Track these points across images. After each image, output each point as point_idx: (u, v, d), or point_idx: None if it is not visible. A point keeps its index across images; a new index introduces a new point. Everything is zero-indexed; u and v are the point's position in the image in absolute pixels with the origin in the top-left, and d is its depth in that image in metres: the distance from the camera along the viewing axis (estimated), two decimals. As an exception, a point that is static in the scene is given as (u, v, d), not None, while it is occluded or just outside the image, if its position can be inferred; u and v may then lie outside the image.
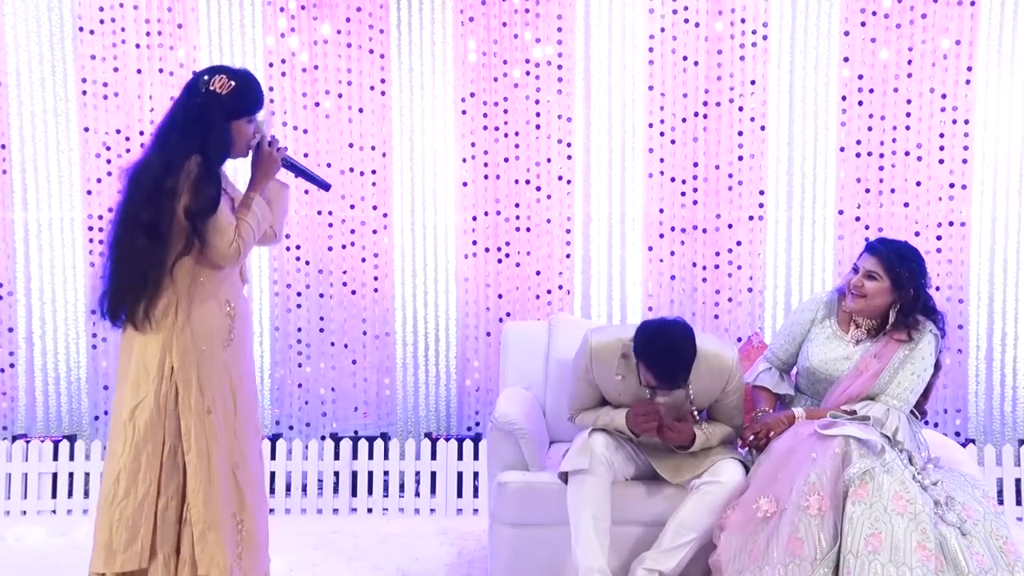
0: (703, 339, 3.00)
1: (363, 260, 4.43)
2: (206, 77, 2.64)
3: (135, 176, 2.62)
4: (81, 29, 4.31)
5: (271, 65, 4.34)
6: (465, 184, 4.40)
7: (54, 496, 4.24)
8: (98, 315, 2.67)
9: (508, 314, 4.41)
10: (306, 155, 4.37)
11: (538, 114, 4.35)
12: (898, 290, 3.03)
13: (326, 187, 2.95)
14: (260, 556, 2.76)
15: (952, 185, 4.27)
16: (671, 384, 2.92)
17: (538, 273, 4.41)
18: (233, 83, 2.63)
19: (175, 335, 2.62)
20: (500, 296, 4.42)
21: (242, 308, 2.77)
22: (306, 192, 4.38)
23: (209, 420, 2.64)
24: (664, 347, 2.89)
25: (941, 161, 4.26)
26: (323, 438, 4.40)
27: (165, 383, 2.62)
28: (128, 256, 2.60)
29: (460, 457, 4.28)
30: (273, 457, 4.22)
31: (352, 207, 4.40)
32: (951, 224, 4.29)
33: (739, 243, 4.36)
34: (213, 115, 2.61)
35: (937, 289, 4.26)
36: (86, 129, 4.34)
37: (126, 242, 2.60)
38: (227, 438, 2.68)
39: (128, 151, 4.30)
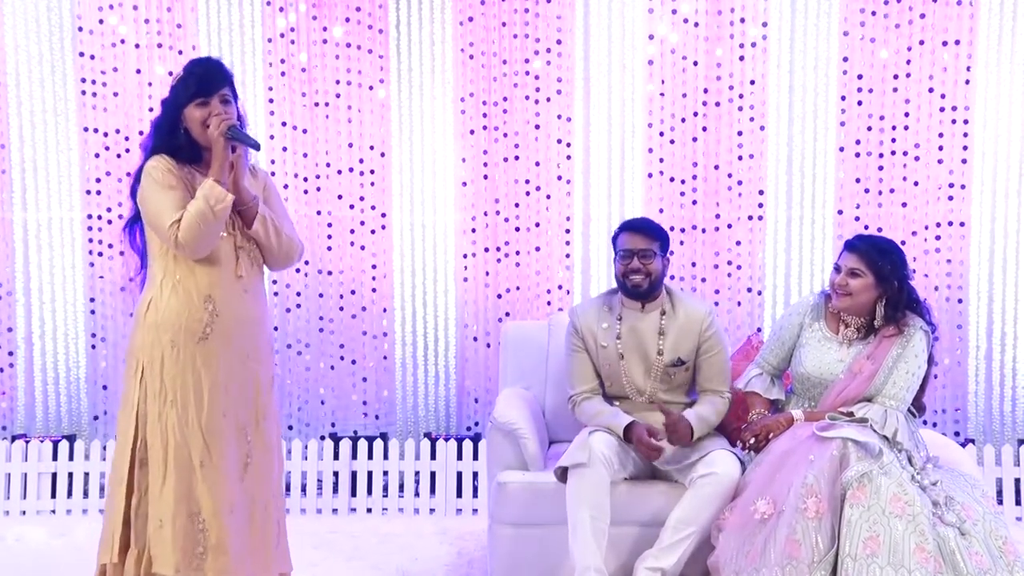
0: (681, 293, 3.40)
1: (362, 260, 4.43)
2: None
3: None
4: (81, 29, 4.30)
5: (271, 65, 4.34)
6: (465, 184, 4.40)
7: (54, 496, 4.25)
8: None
9: (508, 314, 4.41)
10: (305, 155, 4.37)
11: (538, 114, 4.35)
12: (882, 284, 3.04)
13: (255, 147, 2.68)
14: (233, 562, 2.66)
15: (951, 185, 4.27)
16: (642, 228, 3.22)
17: (538, 273, 4.41)
18: (181, 73, 2.67)
19: (146, 330, 2.63)
20: (499, 296, 4.42)
21: (229, 306, 2.69)
22: (305, 192, 4.38)
23: (170, 413, 2.61)
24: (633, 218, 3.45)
25: (940, 161, 4.26)
26: (323, 438, 4.41)
27: (137, 377, 2.63)
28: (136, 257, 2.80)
29: (460, 457, 4.28)
30: (273, 457, 4.22)
31: (351, 207, 4.40)
32: (950, 224, 4.28)
33: (739, 243, 4.36)
34: (165, 109, 2.68)
35: (936, 289, 4.27)
36: (86, 129, 4.34)
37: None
38: (191, 434, 2.62)
39: (128, 151, 4.31)
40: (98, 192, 4.35)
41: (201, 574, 2.63)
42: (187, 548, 2.60)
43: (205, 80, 2.65)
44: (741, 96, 4.30)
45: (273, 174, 4.36)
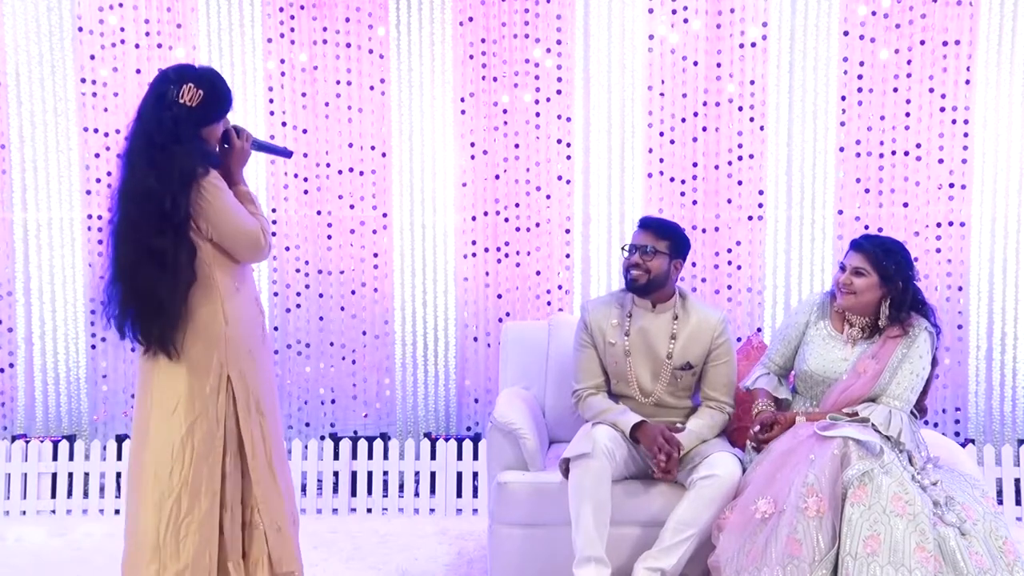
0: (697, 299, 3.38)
1: (363, 260, 4.43)
2: (172, 87, 2.56)
3: (135, 200, 2.54)
4: (80, 29, 4.30)
5: (271, 65, 4.34)
6: (465, 184, 4.40)
7: (54, 496, 4.25)
8: (116, 335, 2.61)
9: (508, 314, 4.41)
10: (305, 155, 4.37)
11: (538, 114, 4.35)
12: (887, 284, 3.04)
13: (287, 154, 3.01)
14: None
15: (952, 185, 4.27)
16: (651, 225, 3.23)
17: (538, 273, 4.41)
18: (201, 92, 2.56)
19: (226, 344, 2.60)
20: (500, 296, 4.42)
21: (260, 302, 2.80)
22: (305, 192, 4.38)
23: (264, 423, 2.67)
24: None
25: (941, 161, 4.26)
26: (323, 438, 4.41)
27: (222, 394, 2.60)
28: (145, 287, 2.54)
29: (460, 457, 4.28)
30: (273, 457, 4.23)
31: (352, 207, 4.40)
32: (951, 224, 4.28)
33: (739, 243, 4.36)
34: (186, 129, 2.56)
35: (936, 289, 4.27)
36: (86, 129, 4.34)
37: (141, 273, 2.53)
38: (278, 437, 2.74)
39: (128, 151, 4.30)
40: (98, 192, 4.35)
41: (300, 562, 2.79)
42: (297, 542, 2.78)
43: (228, 100, 2.68)
44: (741, 96, 4.30)
45: (274, 174, 4.38)
